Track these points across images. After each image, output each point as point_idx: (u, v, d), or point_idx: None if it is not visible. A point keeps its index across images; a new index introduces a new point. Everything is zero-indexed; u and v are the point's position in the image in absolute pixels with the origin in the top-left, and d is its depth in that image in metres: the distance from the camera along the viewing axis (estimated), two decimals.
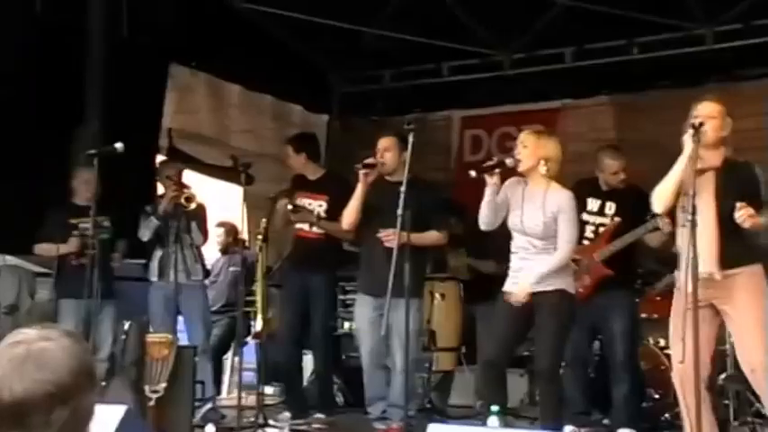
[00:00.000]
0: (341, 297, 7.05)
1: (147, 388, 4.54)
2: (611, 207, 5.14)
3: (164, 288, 5.49)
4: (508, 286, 4.30)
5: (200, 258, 5.74)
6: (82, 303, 4.89)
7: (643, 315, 5.64)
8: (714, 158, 3.82)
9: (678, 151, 3.77)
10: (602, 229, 5.12)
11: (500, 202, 4.30)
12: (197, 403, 5.22)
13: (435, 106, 8.23)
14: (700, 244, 3.43)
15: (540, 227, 4.21)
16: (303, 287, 5.58)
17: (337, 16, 7.29)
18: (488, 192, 4.25)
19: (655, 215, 4.55)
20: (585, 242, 5.12)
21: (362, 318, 4.95)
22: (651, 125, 6.95)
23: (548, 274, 4.18)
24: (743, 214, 3.55)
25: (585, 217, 5.12)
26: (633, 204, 4.94)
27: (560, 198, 4.25)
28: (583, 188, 5.23)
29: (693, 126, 3.62)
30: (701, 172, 3.72)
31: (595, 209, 5.14)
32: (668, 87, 7.19)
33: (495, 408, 3.42)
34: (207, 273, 5.93)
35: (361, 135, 7.77)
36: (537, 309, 4.18)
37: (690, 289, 3.35)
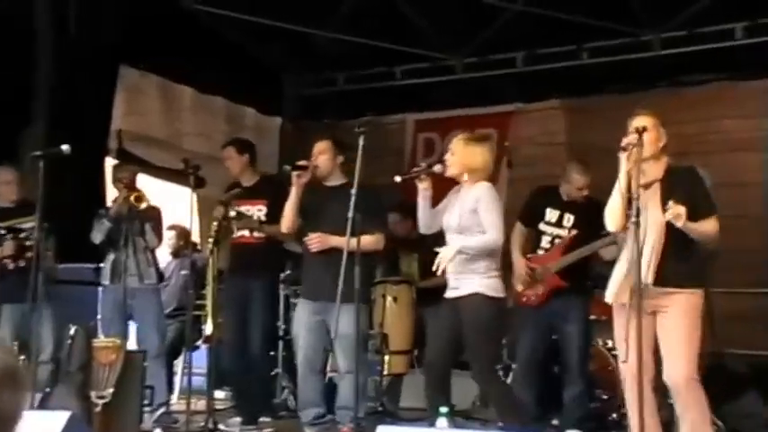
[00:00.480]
0: (293, 301, 7.03)
1: (93, 393, 4.48)
2: (569, 219, 5.19)
3: (115, 292, 5.42)
4: (448, 293, 4.34)
5: (154, 262, 5.66)
6: (20, 308, 4.80)
7: (592, 317, 5.71)
8: (656, 170, 3.85)
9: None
10: (558, 241, 5.17)
11: (442, 208, 4.37)
12: (147, 408, 5.15)
13: (389, 109, 8.24)
14: (644, 255, 3.48)
15: (455, 221, 4.26)
16: (244, 292, 5.55)
17: (290, 19, 7.27)
18: (421, 197, 4.32)
19: (607, 234, 4.68)
20: (541, 252, 5.18)
21: (300, 322, 4.92)
22: (601, 129, 7.01)
23: (471, 249, 4.17)
24: (672, 212, 3.56)
25: (543, 227, 5.17)
26: (591, 218, 4.95)
27: (477, 190, 4.28)
28: (542, 196, 5.29)
29: (623, 148, 3.65)
30: (647, 186, 3.77)
31: (553, 220, 5.19)
32: (617, 92, 7.29)
33: (443, 409, 3.43)
34: (161, 277, 5.84)
35: (314, 138, 7.75)
36: (461, 313, 4.21)
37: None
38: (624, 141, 3.68)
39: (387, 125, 8.37)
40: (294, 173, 4.84)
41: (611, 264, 5.08)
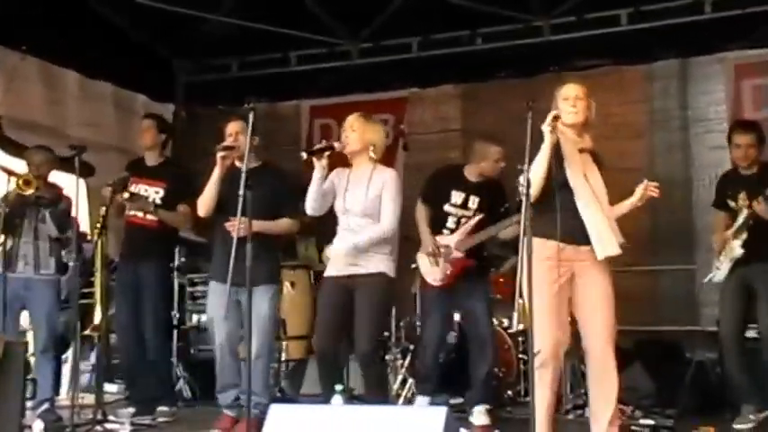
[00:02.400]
0: (189, 290, 6.89)
1: None
2: (474, 201, 5.23)
3: (8, 281, 5.20)
4: (330, 270, 4.34)
5: (55, 252, 5.35)
6: None
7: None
8: (585, 141, 3.99)
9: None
10: (464, 221, 5.20)
11: (327, 188, 4.36)
12: (30, 403, 4.93)
13: (284, 96, 8.16)
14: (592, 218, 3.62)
15: (360, 205, 4.27)
16: (135, 277, 5.42)
17: (182, 3, 7.08)
18: (316, 175, 4.30)
19: (506, 209, 4.95)
20: (446, 232, 5.20)
21: (215, 305, 4.80)
22: (494, 114, 7.16)
23: (367, 243, 4.21)
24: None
25: (448, 208, 5.20)
26: (495, 200, 5.14)
27: (385, 176, 4.35)
28: (446, 178, 5.31)
29: (556, 117, 3.72)
30: (581, 151, 3.88)
31: (459, 202, 5.22)
32: (509, 77, 7.42)
33: (338, 386, 3.40)
34: (65, 267, 5.56)
35: (207, 125, 7.59)
36: (356, 292, 4.22)
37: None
38: (550, 115, 3.73)
39: (282, 111, 8.28)
40: (219, 153, 4.72)
41: (508, 244, 5.21)
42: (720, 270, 5.02)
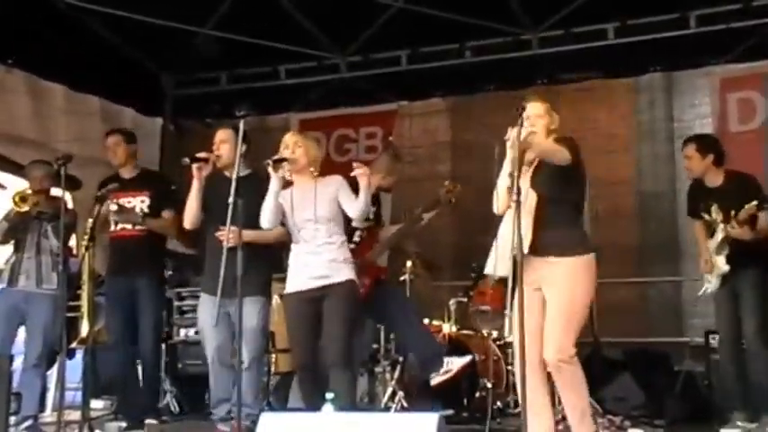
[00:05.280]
0: (177, 304, 6.85)
1: None
2: (372, 213, 5.26)
3: (10, 295, 5.20)
4: (293, 286, 4.35)
5: (57, 267, 5.28)
6: None
7: (476, 307, 5.83)
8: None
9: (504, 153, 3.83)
10: (366, 232, 5.18)
11: (276, 207, 4.40)
12: (14, 417, 4.87)
13: (273, 109, 8.15)
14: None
15: (312, 216, 4.31)
16: (128, 290, 5.39)
17: (170, 17, 7.08)
18: (272, 188, 4.34)
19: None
20: (352, 246, 5.16)
21: (206, 318, 4.76)
22: (482, 127, 7.19)
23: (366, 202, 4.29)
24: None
25: (355, 223, 5.18)
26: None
27: (333, 180, 4.42)
28: None
29: (521, 122, 3.72)
30: (532, 163, 3.89)
31: None
32: (497, 90, 7.45)
33: (329, 395, 3.37)
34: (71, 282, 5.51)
35: (195, 138, 7.59)
36: (326, 301, 4.22)
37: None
38: (510, 133, 3.74)
39: (271, 124, 8.28)
40: (194, 165, 4.69)
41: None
42: (712, 283, 5.07)
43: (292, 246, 4.45)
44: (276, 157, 4.38)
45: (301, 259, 4.36)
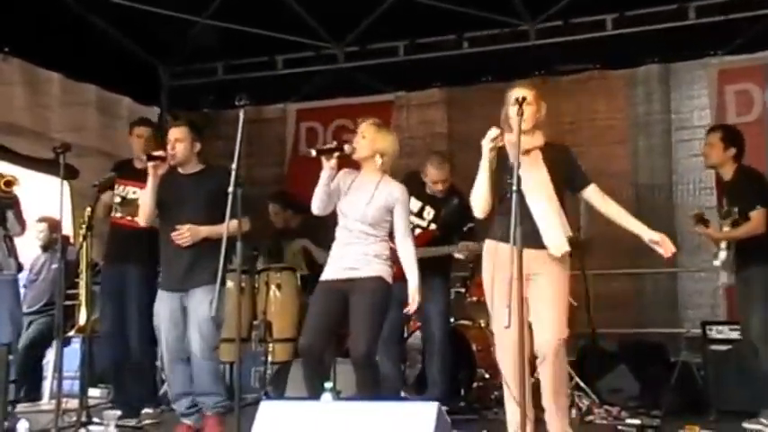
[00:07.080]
0: None
1: None
2: (429, 212, 5.27)
3: None
4: (326, 274, 4.31)
5: (14, 252, 5.31)
6: None
7: (474, 298, 5.84)
8: (536, 140, 3.96)
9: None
10: (417, 231, 5.18)
11: (333, 189, 4.31)
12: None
13: (270, 99, 8.14)
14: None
15: (359, 211, 4.26)
16: (121, 280, 5.39)
17: (167, 6, 7.05)
18: (324, 175, 4.24)
19: (470, 229, 5.03)
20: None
21: (160, 313, 4.74)
22: (479, 118, 7.15)
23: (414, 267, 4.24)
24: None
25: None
26: (451, 215, 5.21)
27: (393, 190, 4.32)
28: (411, 183, 5.31)
29: (521, 113, 3.70)
30: (527, 152, 3.84)
31: (415, 210, 5.23)
32: (495, 81, 7.44)
33: (328, 384, 3.38)
34: (19, 267, 5.50)
35: (170, 124, 7.54)
36: (352, 294, 4.19)
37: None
38: (491, 133, 3.73)
39: (268, 114, 8.27)
40: (150, 163, 4.66)
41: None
42: (722, 251, 4.98)
43: (337, 229, 4.38)
44: (326, 147, 4.28)
45: (339, 251, 4.31)
